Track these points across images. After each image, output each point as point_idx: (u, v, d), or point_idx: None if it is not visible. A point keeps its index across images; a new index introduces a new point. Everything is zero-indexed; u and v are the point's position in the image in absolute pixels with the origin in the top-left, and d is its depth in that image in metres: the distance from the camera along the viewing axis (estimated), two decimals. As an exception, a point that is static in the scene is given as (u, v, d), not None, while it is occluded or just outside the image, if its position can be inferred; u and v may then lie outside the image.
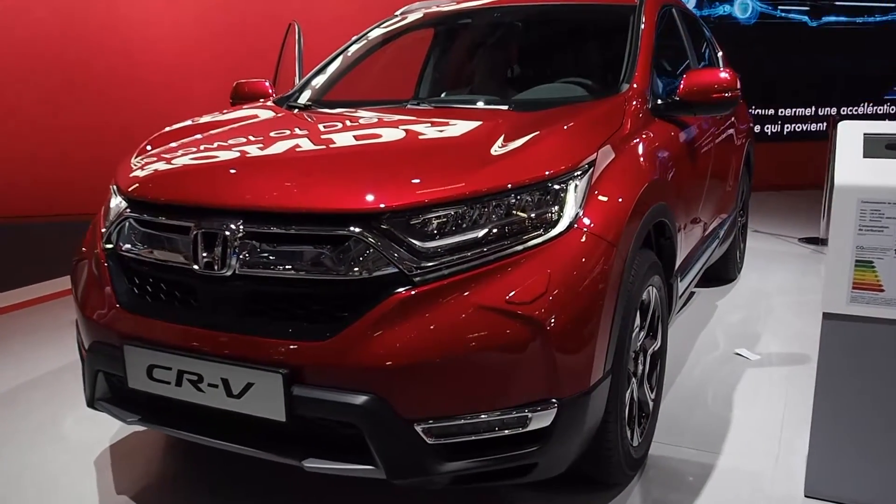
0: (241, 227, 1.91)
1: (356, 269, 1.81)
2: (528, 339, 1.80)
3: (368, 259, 1.81)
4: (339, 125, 2.57)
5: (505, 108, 2.72)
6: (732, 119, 4.22)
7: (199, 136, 2.49)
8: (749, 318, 4.20)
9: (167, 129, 2.65)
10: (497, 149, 2.06)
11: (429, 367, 1.78)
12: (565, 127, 2.27)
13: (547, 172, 1.97)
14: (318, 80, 3.41)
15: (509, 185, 1.91)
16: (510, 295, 1.81)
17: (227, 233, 1.90)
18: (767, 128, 8.84)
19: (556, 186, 1.97)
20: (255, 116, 2.85)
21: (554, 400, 1.86)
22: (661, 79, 3.10)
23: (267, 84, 3.52)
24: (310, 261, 1.84)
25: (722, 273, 4.72)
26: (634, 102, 2.64)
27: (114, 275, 2.17)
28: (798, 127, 9.03)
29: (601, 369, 1.98)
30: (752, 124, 5.09)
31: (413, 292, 1.80)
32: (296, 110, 3.01)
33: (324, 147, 2.28)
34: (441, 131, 2.40)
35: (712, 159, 3.59)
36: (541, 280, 1.84)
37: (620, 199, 2.13)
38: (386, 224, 1.83)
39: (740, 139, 4.48)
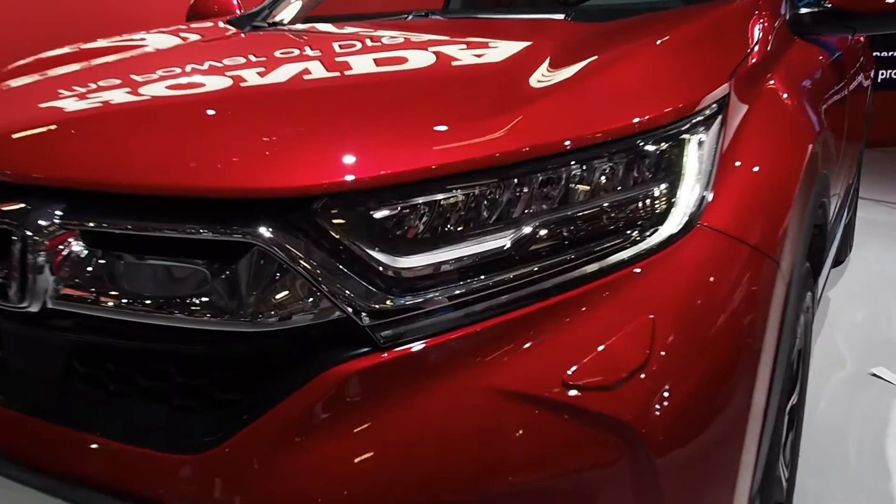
0: (58, 220, 1.00)
1: (263, 310, 0.90)
2: (611, 464, 0.88)
3: (286, 290, 0.90)
4: (295, 51, 1.61)
5: (559, 17, 1.72)
6: (861, 56, 3.14)
7: (70, 70, 1.56)
8: (876, 316, 3.18)
9: (34, 57, 1.72)
10: (543, 78, 1.10)
11: (404, 518, 0.87)
12: (659, 42, 1.28)
13: (637, 120, 1.00)
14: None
15: (567, 144, 0.95)
16: (572, 370, 0.88)
17: (30, 231, 1.00)
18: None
19: (663, 147, 1.01)
20: (178, 40, 1.89)
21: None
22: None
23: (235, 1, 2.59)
24: (178, 291, 0.94)
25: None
26: (766, 10, 1.63)
27: None
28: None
29: (745, 496, 1.04)
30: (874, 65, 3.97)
31: (374, 362, 0.88)
32: (258, 31, 2.05)
33: (247, 85, 1.32)
34: (447, 55, 1.42)
35: (848, 104, 2.54)
36: (636, 337, 0.90)
37: (777, 172, 1.16)
38: (320, 220, 0.90)
39: (867, 81, 3.39)
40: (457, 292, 0.90)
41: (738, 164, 1.08)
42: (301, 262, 0.88)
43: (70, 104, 1.26)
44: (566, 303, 0.91)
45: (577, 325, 0.91)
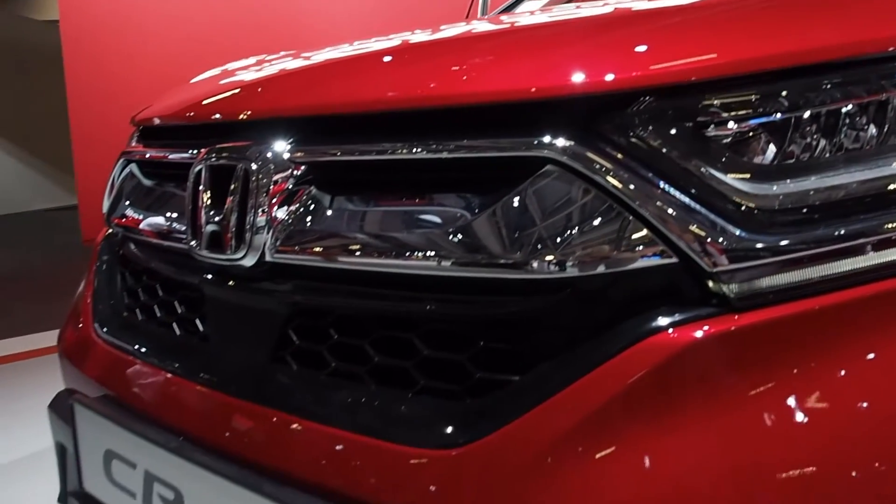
0: (287, 153, 0.81)
1: (552, 252, 0.63)
2: None
3: (590, 224, 0.63)
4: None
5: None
6: None
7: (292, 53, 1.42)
8: None
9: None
10: None
11: None
12: None
13: None
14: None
15: None
16: None
17: (254, 164, 0.81)
18: None
19: None
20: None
21: None
22: None
23: None
24: (429, 231, 0.70)
25: None
26: None
27: (101, 271, 1.18)
28: None
29: None
30: None
31: (727, 327, 0.58)
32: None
33: (513, 22, 1.10)
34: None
35: None
36: None
37: None
38: (639, 129, 0.63)
39: None
40: (840, 233, 0.59)
41: None
42: (617, 182, 0.61)
43: (295, 63, 1.10)
44: None
45: None
